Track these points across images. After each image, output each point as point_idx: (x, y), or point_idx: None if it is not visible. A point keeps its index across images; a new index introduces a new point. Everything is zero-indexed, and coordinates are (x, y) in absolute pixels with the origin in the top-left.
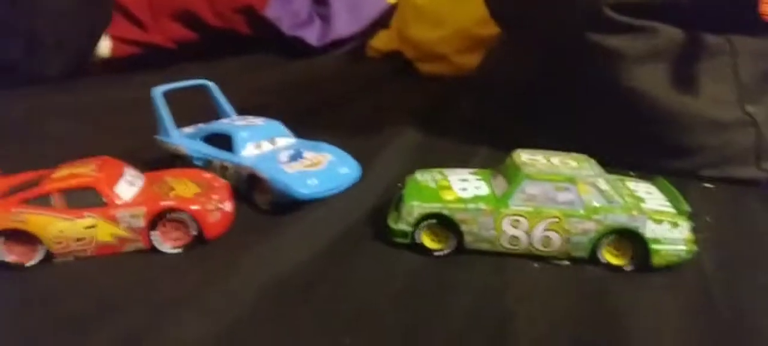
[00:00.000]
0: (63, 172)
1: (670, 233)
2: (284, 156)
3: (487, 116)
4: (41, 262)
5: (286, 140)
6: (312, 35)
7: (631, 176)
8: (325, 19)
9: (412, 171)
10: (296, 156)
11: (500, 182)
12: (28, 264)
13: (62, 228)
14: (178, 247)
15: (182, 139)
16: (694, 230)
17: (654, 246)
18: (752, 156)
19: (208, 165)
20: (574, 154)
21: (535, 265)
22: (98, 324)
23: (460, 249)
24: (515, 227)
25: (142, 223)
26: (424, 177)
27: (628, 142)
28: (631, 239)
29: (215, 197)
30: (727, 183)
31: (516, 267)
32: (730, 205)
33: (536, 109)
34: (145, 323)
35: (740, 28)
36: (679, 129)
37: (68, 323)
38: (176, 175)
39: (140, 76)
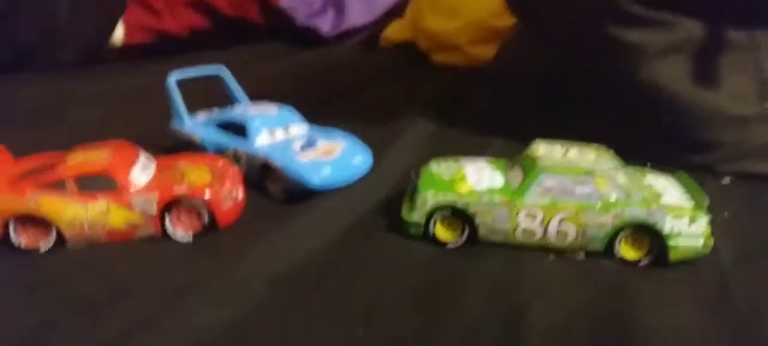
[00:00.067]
0: (77, 156)
1: (688, 227)
2: (297, 145)
3: (501, 108)
4: (53, 247)
5: (299, 128)
6: (325, 24)
7: (649, 169)
8: (339, 9)
9: (425, 161)
10: (309, 144)
11: (516, 174)
12: (42, 249)
13: (75, 213)
14: (190, 234)
15: (196, 126)
16: (712, 224)
17: (672, 241)
18: None
19: (221, 152)
20: (593, 146)
21: (550, 258)
22: (110, 310)
23: (473, 241)
24: (531, 219)
25: (154, 209)
26: (439, 167)
27: (646, 136)
28: (648, 234)
29: (228, 184)
30: (745, 178)
31: (530, 260)
32: (748, 200)
33: (552, 101)
34: (156, 310)
35: (762, 23)
36: (698, 124)
37: (80, 308)
38: (190, 161)
39: (154, 63)
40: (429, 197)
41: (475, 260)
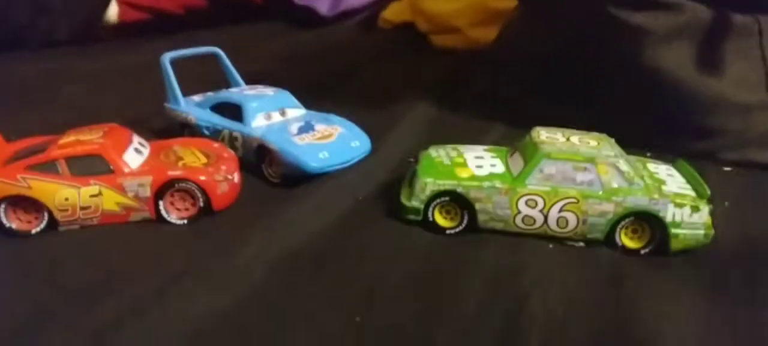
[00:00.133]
0: (69, 138)
1: (690, 217)
2: (294, 128)
3: (502, 91)
4: (46, 230)
5: (296, 111)
6: (323, 5)
7: (649, 157)
8: None
9: (424, 146)
10: (307, 128)
11: (517, 160)
12: (33, 231)
13: (68, 195)
14: (185, 218)
15: (191, 107)
16: (713, 213)
17: (674, 230)
18: None
19: (216, 135)
20: (594, 133)
21: (550, 246)
22: (105, 294)
23: (473, 227)
24: (531, 206)
25: (148, 192)
26: (439, 153)
27: (648, 122)
28: (649, 222)
29: (223, 167)
30: (747, 167)
31: (530, 248)
32: (749, 189)
33: (554, 86)
34: (151, 295)
35: None
36: (701, 110)
37: (75, 292)
38: (184, 144)
39: (149, 42)
40: (428, 183)
41: (474, 247)
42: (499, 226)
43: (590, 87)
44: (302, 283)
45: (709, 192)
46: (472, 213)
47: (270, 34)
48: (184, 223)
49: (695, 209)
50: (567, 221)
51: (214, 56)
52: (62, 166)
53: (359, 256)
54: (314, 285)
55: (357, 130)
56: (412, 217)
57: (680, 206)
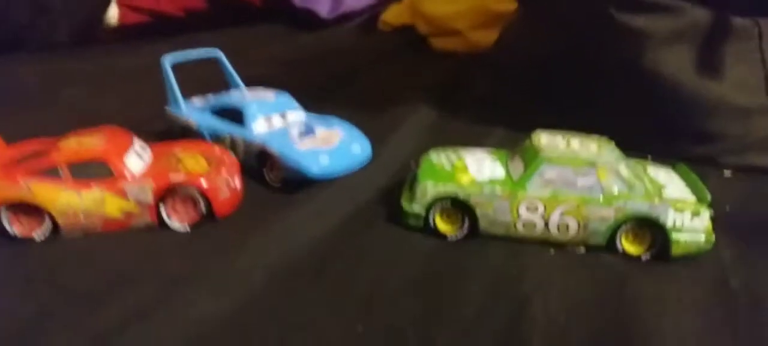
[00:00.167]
0: (71, 142)
1: (691, 222)
2: (296, 132)
3: (502, 95)
4: (49, 236)
5: (297, 115)
6: (323, 7)
7: (649, 161)
8: None
9: (424, 150)
10: (308, 132)
11: (517, 164)
12: (36, 236)
13: (69, 200)
14: (187, 223)
15: (192, 111)
16: (713, 218)
17: (674, 235)
18: None
19: (218, 139)
20: (595, 137)
21: (551, 251)
22: (107, 300)
23: (474, 233)
24: (532, 212)
25: (150, 197)
26: (439, 157)
27: (649, 125)
28: (650, 228)
29: (225, 172)
30: (747, 171)
31: (531, 253)
32: (750, 193)
33: (554, 89)
34: (153, 300)
35: None
36: (701, 114)
37: (77, 296)
38: (186, 148)
39: (149, 44)
40: (429, 188)
41: (475, 252)
42: (500, 231)
43: (590, 90)
44: (303, 288)
45: (709, 197)
46: (473, 218)
47: (270, 36)
48: (185, 228)
49: (696, 213)
50: (568, 226)
51: (215, 59)
52: (64, 171)
53: (360, 261)
54: (315, 290)
55: (358, 134)
56: (412, 222)
57: (681, 210)
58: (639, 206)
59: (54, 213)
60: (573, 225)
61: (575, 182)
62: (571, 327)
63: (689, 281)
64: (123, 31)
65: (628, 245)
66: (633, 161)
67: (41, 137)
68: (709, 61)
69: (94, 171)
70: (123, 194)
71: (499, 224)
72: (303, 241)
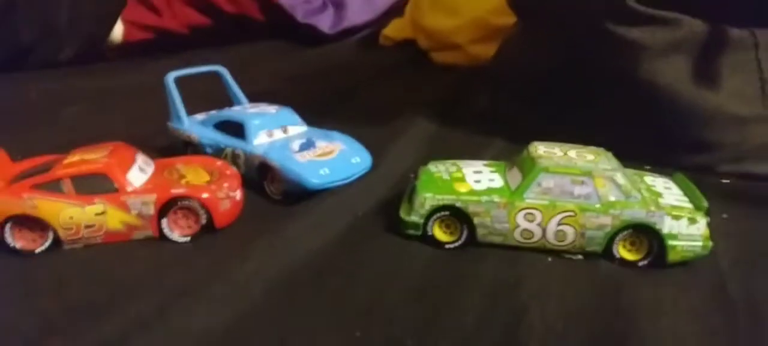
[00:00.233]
0: (74, 157)
1: (687, 229)
2: (296, 145)
3: (501, 108)
4: (50, 248)
5: (298, 129)
6: (325, 23)
7: (648, 171)
8: (339, 7)
9: (424, 162)
10: (308, 145)
11: (515, 175)
12: (38, 250)
13: (72, 214)
14: (188, 235)
15: (194, 126)
16: (710, 226)
17: (671, 242)
18: None
19: (219, 153)
20: (592, 148)
21: (548, 259)
22: (109, 311)
23: (472, 242)
24: (529, 220)
25: (152, 210)
26: (438, 168)
27: (647, 136)
28: (647, 235)
29: (226, 185)
30: (744, 179)
31: (529, 261)
32: (747, 201)
33: (552, 101)
34: (155, 312)
35: (765, 22)
36: (698, 123)
37: (79, 308)
38: (187, 162)
39: (153, 61)
40: (427, 198)
41: (474, 261)
42: (498, 240)
43: (588, 102)
44: (302, 299)
45: (706, 204)
46: (471, 227)
47: (273, 52)
48: (186, 240)
49: (692, 221)
50: (565, 234)
51: (217, 75)
52: (67, 185)
53: (359, 271)
54: (314, 301)
55: (358, 147)
56: (411, 232)
57: (677, 218)
58: (636, 213)
59: (57, 227)
60: (570, 233)
61: (572, 190)
62: (568, 334)
63: (687, 288)
64: (128, 48)
65: (625, 253)
66: (631, 170)
67: (46, 155)
68: (706, 72)
69: (97, 185)
70: (125, 208)
71: (497, 233)
72: (303, 252)
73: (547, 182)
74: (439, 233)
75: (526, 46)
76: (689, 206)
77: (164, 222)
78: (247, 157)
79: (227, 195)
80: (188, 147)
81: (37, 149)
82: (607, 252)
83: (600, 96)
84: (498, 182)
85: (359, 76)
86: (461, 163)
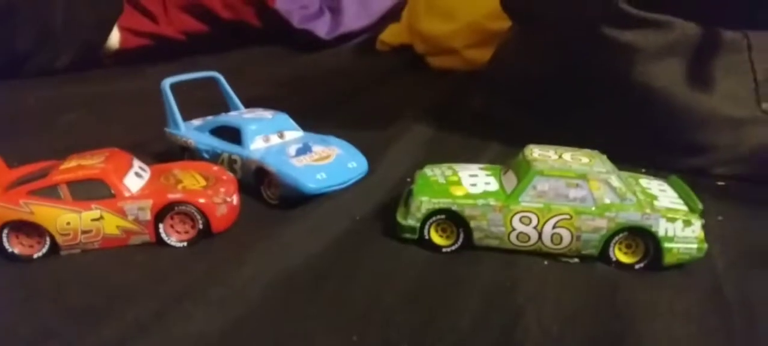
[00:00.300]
0: (71, 163)
1: (683, 231)
2: (292, 150)
3: (497, 111)
4: (48, 254)
5: (294, 134)
6: (322, 28)
7: (643, 174)
8: (335, 12)
9: (421, 166)
10: (304, 150)
11: (510, 178)
12: (35, 256)
13: (69, 220)
14: (185, 240)
15: (191, 131)
16: (705, 228)
17: (666, 244)
18: (766, 154)
19: (216, 158)
20: (587, 151)
21: (545, 262)
22: (106, 316)
23: (468, 245)
24: (525, 223)
25: (148, 215)
26: (434, 172)
27: (641, 139)
28: (642, 237)
29: (222, 190)
30: (740, 181)
31: (525, 264)
32: (742, 203)
33: (548, 105)
34: (152, 316)
35: (758, 24)
36: (693, 126)
37: (77, 314)
38: (184, 167)
39: (150, 68)
40: (424, 202)
41: (470, 264)
42: (495, 243)
43: (583, 105)
44: (299, 303)
45: (701, 206)
46: (468, 231)
47: (269, 58)
48: (183, 245)
49: (687, 223)
50: (561, 237)
51: (214, 81)
52: (64, 191)
53: (356, 275)
54: (311, 305)
55: (354, 151)
56: (408, 235)
57: (672, 220)
58: (631, 215)
59: (54, 233)
60: (566, 236)
61: (567, 193)
62: (564, 337)
63: (682, 290)
64: (124, 55)
65: (621, 255)
66: (626, 173)
67: (43, 161)
68: (700, 74)
69: (94, 191)
70: (122, 213)
71: (493, 236)
72: (300, 256)
73: (543, 185)
74: (436, 237)
75: (521, 50)
76: (684, 208)
77: (161, 227)
78: (243, 162)
79: (224, 200)
80: (185, 152)
81: (35, 156)
82: (604, 255)
83: (594, 99)
84: (494, 185)
85: (356, 81)
86: (457, 166)
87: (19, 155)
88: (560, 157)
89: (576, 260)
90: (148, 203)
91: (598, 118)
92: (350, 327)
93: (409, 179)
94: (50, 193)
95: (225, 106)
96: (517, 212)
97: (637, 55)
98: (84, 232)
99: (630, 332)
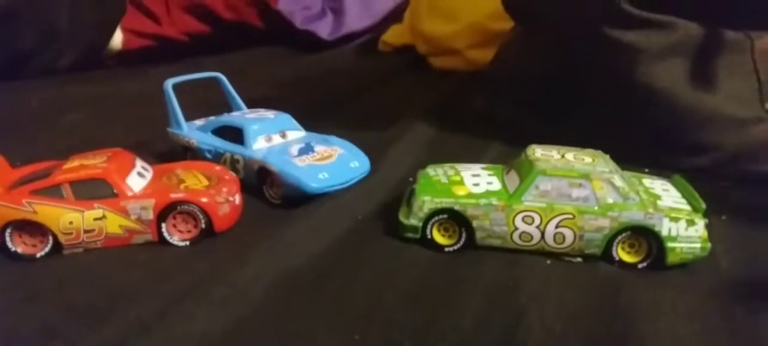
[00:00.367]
0: (73, 163)
1: (686, 231)
2: (295, 149)
3: (499, 111)
4: (50, 253)
5: (296, 134)
6: (324, 29)
7: (646, 173)
8: (338, 13)
9: (423, 166)
10: (307, 150)
11: (513, 178)
12: (38, 255)
13: (72, 219)
14: (187, 239)
15: (193, 131)
16: (709, 227)
17: (670, 244)
18: None
19: (218, 158)
20: (589, 150)
21: (547, 262)
22: (108, 315)
23: (471, 245)
24: (528, 223)
25: (151, 215)
26: (436, 172)
27: (644, 139)
28: (645, 237)
29: (225, 189)
30: (743, 181)
31: (527, 264)
32: (746, 203)
33: (550, 105)
34: (154, 316)
35: (761, 24)
36: (696, 126)
37: (79, 313)
38: (186, 167)
39: (153, 68)
40: (426, 201)
41: (472, 263)
42: (497, 243)
43: (586, 105)
44: (302, 302)
45: (704, 206)
46: (470, 230)
47: (272, 58)
48: (186, 245)
49: (691, 222)
50: (564, 237)
51: (216, 81)
52: (67, 191)
53: (358, 275)
54: (314, 305)
55: (356, 151)
56: (410, 235)
57: (675, 220)
58: (634, 215)
59: (56, 232)
60: (569, 235)
61: (570, 193)
62: (567, 336)
63: (686, 289)
64: (127, 55)
65: (624, 255)
66: (629, 173)
67: (46, 161)
68: (703, 74)
69: (97, 190)
70: (124, 212)
71: (495, 236)
72: (302, 256)
73: (545, 184)
74: (438, 236)
75: (524, 50)
76: (687, 208)
77: (164, 227)
78: (246, 162)
79: (226, 199)
80: (187, 152)
81: (38, 156)
82: (607, 254)
83: (597, 99)
84: (496, 185)
85: (358, 81)
86: (459, 166)
87: (22, 155)
88: (563, 156)
89: (579, 259)
90: (151, 202)
91: (600, 119)
92: (352, 327)
93: (411, 179)
94: (53, 192)
95: (227, 107)
96: (520, 212)
97: (639, 56)
98: (87, 231)
99: (633, 332)
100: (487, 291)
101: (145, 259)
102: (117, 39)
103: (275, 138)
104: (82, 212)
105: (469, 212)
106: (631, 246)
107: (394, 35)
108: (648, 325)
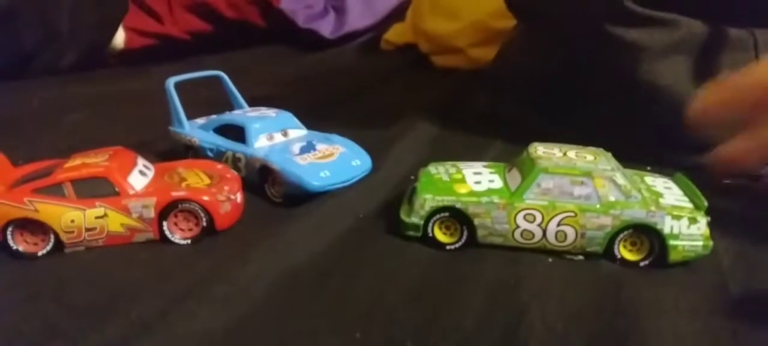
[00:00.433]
0: (75, 161)
1: (688, 229)
2: (296, 148)
3: (502, 110)
4: (52, 252)
5: (298, 132)
6: (326, 28)
7: (649, 171)
8: (340, 12)
9: (424, 164)
10: (308, 148)
11: (515, 176)
12: (39, 254)
13: (73, 218)
14: (189, 238)
15: (195, 130)
16: (711, 225)
17: (672, 242)
18: None
19: (220, 156)
20: (591, 148)
21: (549, 259)
22: (110, 314)
23: (472, 243)
24: (529, 221)
25: (152, 213)
26: (438, 170)
27: (647, 137)
28: (648, 235)
29: (226, 188)
30: (745, 179)
31: (529, 262)
32: (748, 200)
33: (552, 103)
34: (156, 314)
35: (764, 21)
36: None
37: (81, 311)
38: (188, 166)
39: (155, 67)
40: (427, 199)
41: (474, 261)
42: (499, 241)
43: (588, 103)
44: (303, 301)
45: (706, 204)
46: (472, 228)
47: (274, 57)
48: (187, 243)
49: (693, 220)
50: (566, 235)
51: (218, 80)
52: (68, 189)
53: (359, 273)
54: (315, 303)
55: (358, 149)
56: (411, 233)
57: (678, 217)
58: (636, 213)
59: (58, 230)
60: (571, 233)
61: (572, 191)
62: (569, 334)
63: (688, 287)
64: (129, 54)
65: (626, 253)
66: (631, 171)
67: (47, 160)
68: (706, 72)
69: (98, 189)
70: (126, 211)
71: (497, 234)
72: (304, 254)
73: (547, 182)
74: (440, 235)
75: (526, 48)
76: (690, 205)
77: (165, 225)
78: (247, 160)
79: (228, 198)
80: (189, 151)
81: (39, 157)
82: (609, 252)
83: (599, 97)
84: (498, 183)
85: (360, 80)
86: (461, 164)
87: (23, 154)
88: (565, 154)
89: (580, 257)
90: (152, 200)
91: (603, 117)
92: (354, 325)
93: (412, 177)
94: (54, 191)
95: (229, 105)
96: (522, 210)
97: (642, 54)
98: (88, 229)
99: (635, 330)
100: (489, 289)
101: (146, 257)
102: (119, 38)
103: (277, 136)
104: (84, 210)
105: (471, 210)
106: (633, 244)
107: (396, 34)
108: (650, 323)
